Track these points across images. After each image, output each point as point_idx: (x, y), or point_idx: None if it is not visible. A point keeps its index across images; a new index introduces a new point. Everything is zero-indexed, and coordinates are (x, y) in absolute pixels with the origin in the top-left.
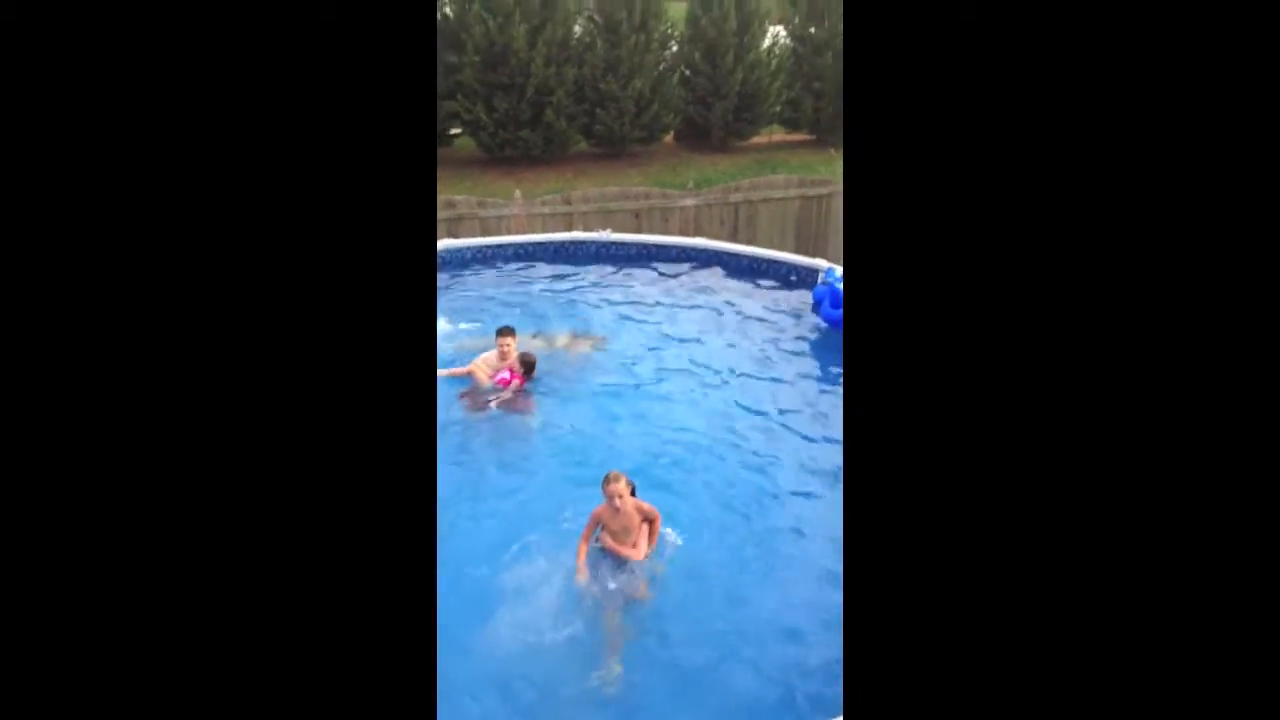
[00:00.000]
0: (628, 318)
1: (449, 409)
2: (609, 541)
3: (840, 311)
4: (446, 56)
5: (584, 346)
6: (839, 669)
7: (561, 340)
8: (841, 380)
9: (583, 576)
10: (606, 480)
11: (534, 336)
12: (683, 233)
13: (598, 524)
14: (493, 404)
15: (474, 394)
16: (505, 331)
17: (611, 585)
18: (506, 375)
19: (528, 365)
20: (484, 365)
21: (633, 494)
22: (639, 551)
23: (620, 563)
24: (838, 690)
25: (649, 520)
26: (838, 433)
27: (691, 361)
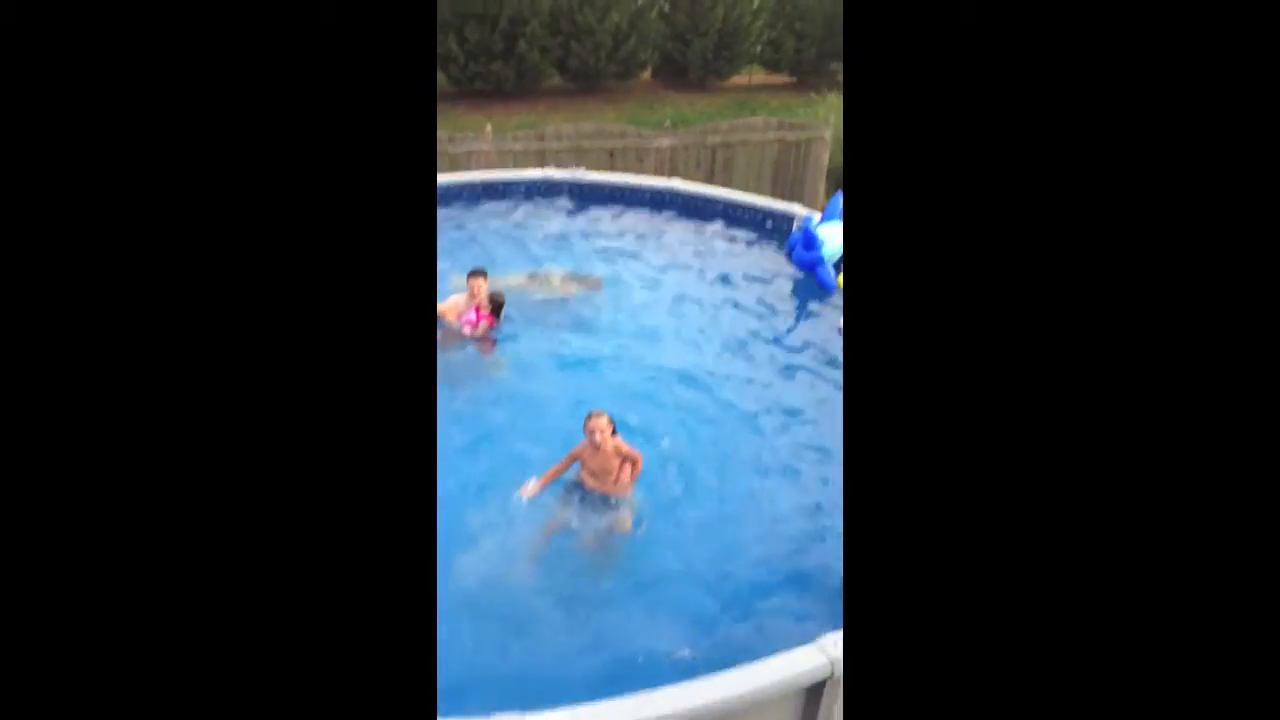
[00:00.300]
0: (606, 259)
1: None
2: (590, 481)
3: (813, 254)
4: None
5: (578, 288)
6: (828, 587)
7: (557, 281)
8: (810, 319)
9: (527, 492)
10: (588, 417)
11: (531, 277)
12: (658, 173)
13: (574, 460)
14: (467, 332)
15: (444, 334)
16: (476, 273)
17: (593, 521)
18: (473, 316)
19: (496, 306)
20: (453, 307)
21: (613, 434)
22: (621, 486)
23: (601, 499)
24: (825, 604)
25: (630, 461)
26: (813, 367)
27: (669, 303)
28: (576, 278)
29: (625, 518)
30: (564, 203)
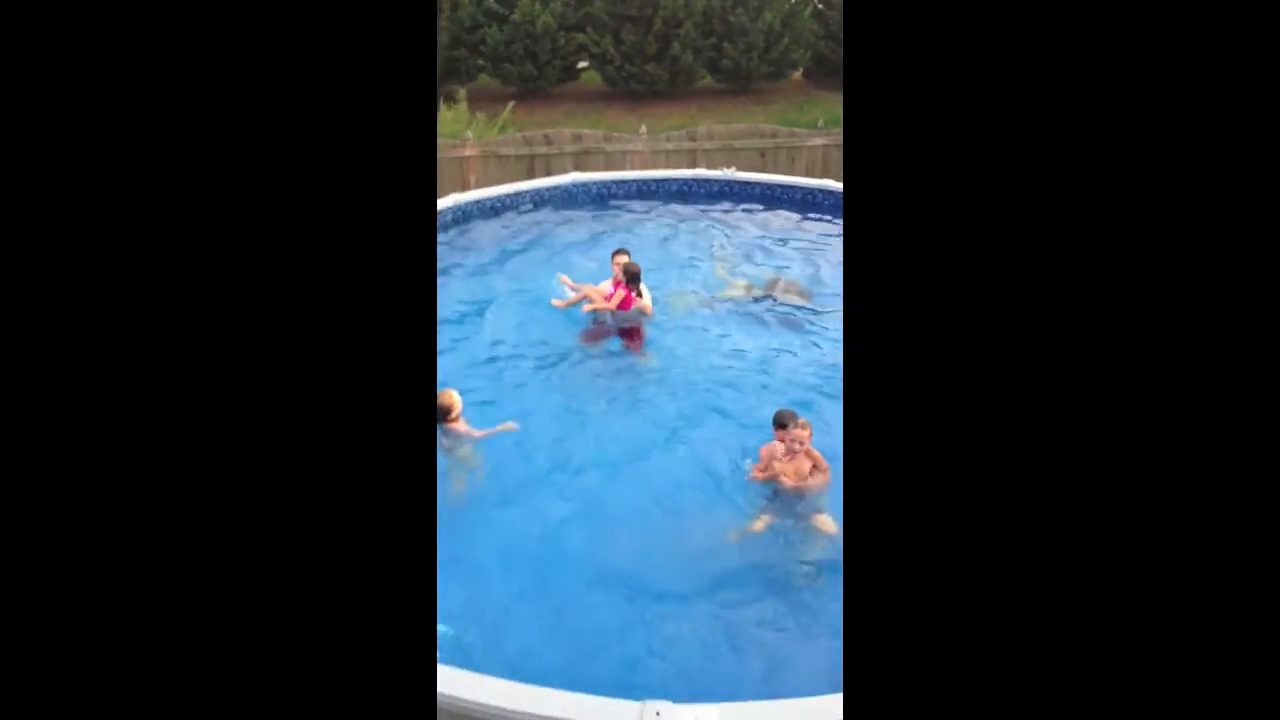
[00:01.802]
0: (763, 256)
1: (563, 340)
2: (785, 481)
3: None
4: None
5: (793, 295)
6: None
7: (777, 286)
8: None
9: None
10: (795, 424)
11: (749, 285)
12: (809, 173)
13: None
14: (607, 305)
15: (591, 331)
16: (620, 251)
17: (791, 520)
18: (611, 289)
19: (631, 275)
20: (596, 289)
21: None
22: (814, 486)
23: (798, 498)
24: None
25: (821, 470)
26: None
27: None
28: (792, 286)
29: (826, 517)
30: (713, 200)
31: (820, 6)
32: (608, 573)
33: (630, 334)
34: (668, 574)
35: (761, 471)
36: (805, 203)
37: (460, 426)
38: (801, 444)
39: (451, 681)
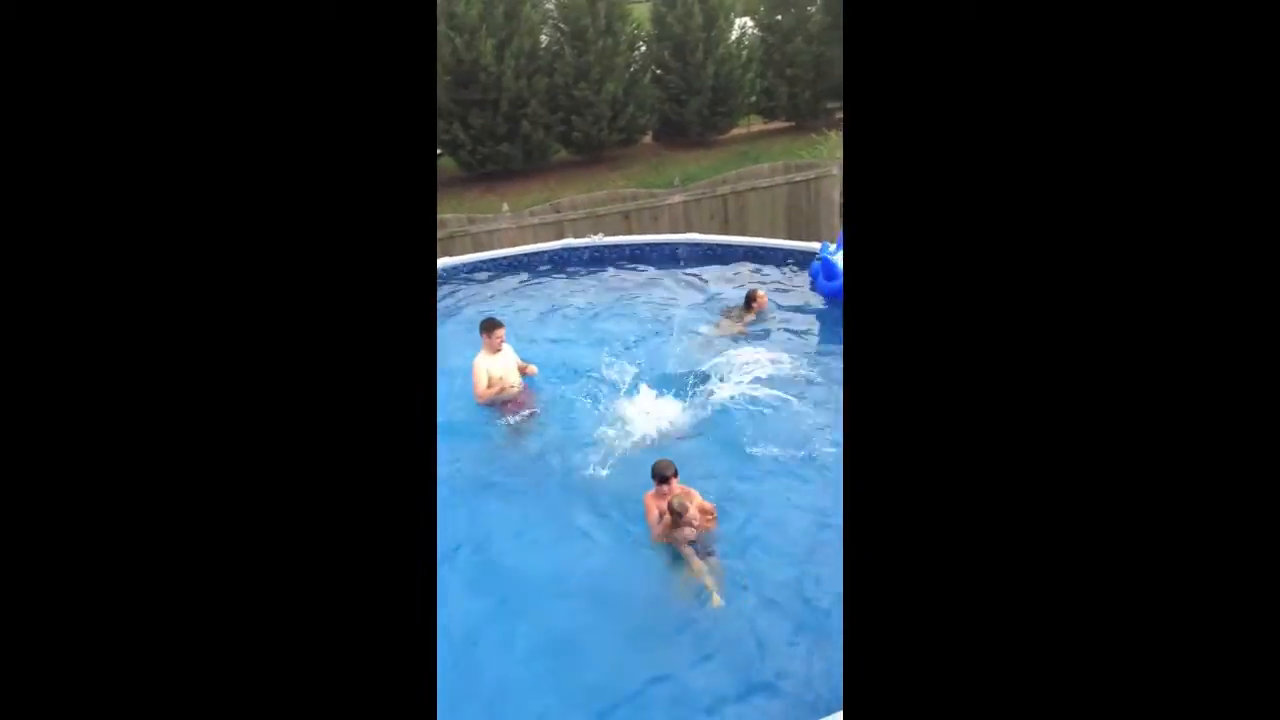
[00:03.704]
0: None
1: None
2: (690, 534)
3: (835, 283)
4: None
5: (737, 326)
6: None
7: (746, 312)
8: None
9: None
10: (670, 474)
11: (718, 324)
12: (673, 230)
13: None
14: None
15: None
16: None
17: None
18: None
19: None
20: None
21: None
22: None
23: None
24: None
25: (710, 515)
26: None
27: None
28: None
29: (705, 574)
30: (585, 267)
31: (659, 72)
32: (555, 667)
33: (520, 403)
34: (612, 658)
35: (665, 531)
36: (674, 257)
37: None
38: (695, 503)
39: None
